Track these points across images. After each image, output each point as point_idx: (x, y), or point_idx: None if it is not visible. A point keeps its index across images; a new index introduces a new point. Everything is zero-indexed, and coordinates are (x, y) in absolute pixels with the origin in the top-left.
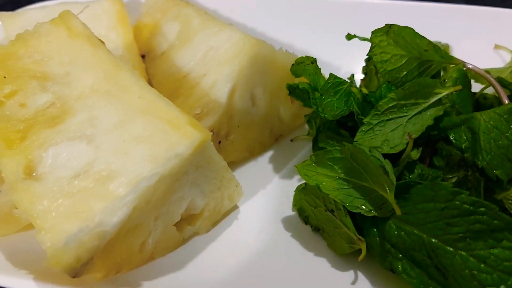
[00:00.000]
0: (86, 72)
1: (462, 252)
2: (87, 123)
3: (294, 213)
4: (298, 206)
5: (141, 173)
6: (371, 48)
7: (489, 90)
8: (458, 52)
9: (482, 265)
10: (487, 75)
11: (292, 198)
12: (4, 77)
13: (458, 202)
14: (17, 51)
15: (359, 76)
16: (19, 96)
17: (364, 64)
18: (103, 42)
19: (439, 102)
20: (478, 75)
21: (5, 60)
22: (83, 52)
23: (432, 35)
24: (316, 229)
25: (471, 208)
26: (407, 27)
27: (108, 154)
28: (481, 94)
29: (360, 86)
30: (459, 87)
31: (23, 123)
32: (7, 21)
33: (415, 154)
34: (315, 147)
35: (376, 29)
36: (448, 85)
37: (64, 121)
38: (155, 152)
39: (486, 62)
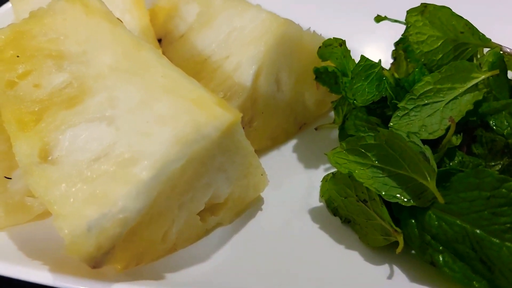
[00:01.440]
0: (104, 51)
1: (510, 244)
2: (107, 103)
3: (321, 204)
4: (326, 196)
5: (166, 155)
6: (407, 28)
7: None
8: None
9: None
10: None
11: (318, 189)
12: (17, 56)
13: (505, 190)
14: (31, 30)
15: (385, 63)
16: (33, 76)
17: (391, 49)
18: (121, 21)
19: (475, 87)
20: (511, 62)
21: (18, 39)
22: (101, 30)
23: None
24: (347, 221)
25: None
26: (443, 7)
27: (130, 136)
28: None
29: (390, 70)
30: (496, 71)
31: (37, 104)
32: (17, 3)
33: (456, 140)
34: (342, 135)
35: (411, 9)
36: (484, 69)
37: (82, 101)
38: (181, 133)
39: None
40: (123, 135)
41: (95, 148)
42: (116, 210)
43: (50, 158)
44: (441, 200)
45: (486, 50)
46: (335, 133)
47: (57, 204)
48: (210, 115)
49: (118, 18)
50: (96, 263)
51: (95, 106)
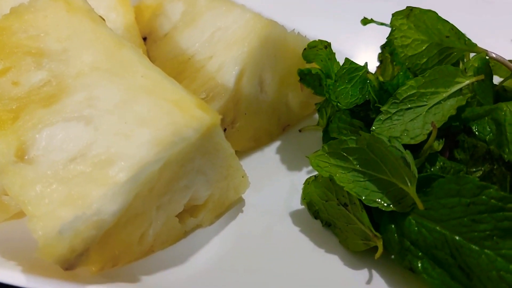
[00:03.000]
0: (85, 49)
1: (489, 251)
2: (86, 103)
3: (303, 207)
4: (308, 199)
5: (144, 157)
6: (391, 31)
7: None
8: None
9: (511, 266)
10: None
11: (301, 191)
12: None
13: (485, 197)
14: (11, 26)
15: (371, 65)
16: (12, 73)
17: (377, 52)
18: (103, 19)
19: (459, 92)
20: (497, 67)
21: None
22: (83, 28)
23: None
24: (327, 224)
25: (500, 204)
26: (429, 10)
27: (108, 137)
28: (501, 86)
29: (375, 73)
30: (481, 77)
31: (15, 102)
32: None
33: (438, 146)
34: (326, 137)
35: (396, 12)
36: (469, 74)
37: (60, 100)
38: (160, 135)
39: (502, 54)
40: (101, 135)
41: (72, 148)
42: (91, 212)
43: (26, 157)
44: (420, 206)
45: (472, 55)
46: (319, 135)
47: (31, 204)
48: (189, 117)
49: (100, 16)
50: (69, 265)
51: (74, 105)
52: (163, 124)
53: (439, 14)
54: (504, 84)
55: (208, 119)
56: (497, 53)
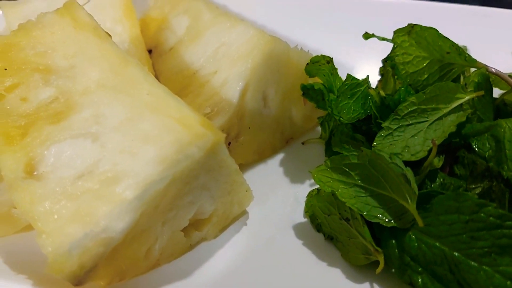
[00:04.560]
0: (92, 66)
1: (487, 268)
2: (93, 120)
3: (306, 220)
4: (310, 213)
5: (150, 175)
6: (393, 48)
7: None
8: (474, 55)
9: (508, 282)
10: (511, 80)
11: (304, 204)
12: (5, 69)
13: (484, 215)
14: (19, 42)
15: (373, 78)
16: (21, 89)
17: (380, 65)
18: (109, 35)
19: (460, 107)
20: (497, 80)
21: (6, 51)
22: (89, 45)
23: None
24: (329, 238)
25: (498, 221)
26: (430, 28)
27: (114, 154)
28: (501, 99)
29: (377, 88)
30: (481, 92)
31: (24, 119)
32: (8, 11)
33: (438, 162)
34: (328, 151)
35: (398, 29)
36: (469, 90)
37: (68, 117)
38: (165, 153)
39: (503, 67)
40: (108, 153)
41: (80, 165)
42: (99, 229)
43: (35, 173)
44: (420, 223)
45: (473, 69)
46: (322, 148)
47: (40, 220)
48: (193, 135)
49: (107, 32)
50: (79, 281)
51: (81, 122)
52: (167, 142)
53: (440, 29)
54: (504, 97)
55: (211, 137)
56: (498, 66)
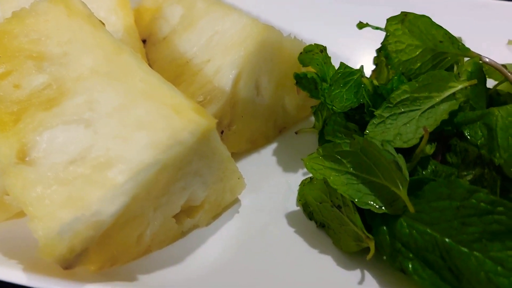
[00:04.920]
0: (85, 53)
1: (478, 254)
2: (85, 106)
3: (298, 208)
4: (303, 201)
5: (142, 160)
6: (386, 37)
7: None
8: (468, 46)
9: (499, 268)
10: (505, 70)
11: (296, 193)
12: None
13: (475, 201)
14: (12, 30)
15: (367, 68)
16: (14, 76)
17: (374, 55)
18: (103, 23)
19: (452, 96)
20: (491, 70)
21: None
22: (83, 32)
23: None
24: (321, 226)
25: (489, 207)
26: (423, 16)
27: (107, 140)
28: (495, 89)
29: (370, 77)
30: (474, 81)
31: (17, 105)
32: (2, 2)
33: (429, 149)
34: (321, 140)
35: (391, 17)
36: (462, 79)
37: (61, 103)
38: (157, 138)
39: (497, 58)
40: (100, 138)
41: (72, 150)
42: (90, 213)
43: (27, 159)
44: (411, 209)
45: (467, 59)
46: (315, 137)
47: (32, 205)
48: (186, 121)
49: (100, 21)
50: (69, 264)
51: (74, 108)
52: (160, 128)
53: (435, 19)
54: (498, 87)
55: (204, 123)
56: (493, 57)
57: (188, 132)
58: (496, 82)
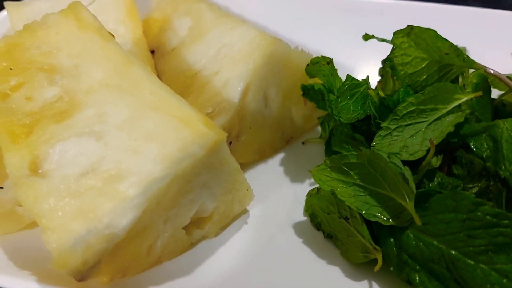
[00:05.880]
0: (95, 66)
1: (484, 266)
2: (96, 118)
3: (305, 218)
4: (310, 211)
5: (152, 173)
6: (392, 49)
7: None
8: (473, 56)
9: (505, 280)
10: (509, 81)
11: (303, 203)
12: (10, 68)
13: (480, 214)
14: (24, 42)
15: (373, 78)
16: (26, 88)
17: (380, 66)
18: (113, 36)
19: (458, 108)
20: (496, 81)
21: (11, 51)
22: (93, 45)
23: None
24: (329, 236)
25: (494, 220)
26: (429, 29)
27: (117, 152)
28: (500, 100)
29: (376, 88)
30: (479, 93)
31: (29, 117)
32: (13, 11)
33: (436, 162)
34: (328, 150)
35: (397, 30)
36: (468, 90)
37: (72, 116)
38: (167, 151)
39: (502, 68)
40: (111, 151)
41: (83, 163)
42: (102, 226)
43: (40, 171)
44: (418, 221)
45: (472, 70)
46: (322, 147)
47: (45, 217)
48: (196, 133)
49: (110, 33)
50: (82, 276)
51: (85, 121)
52: (170, 141)
53: (440, 31)
54: (503, 98)
55: (213, 136)
56: (497, 67)
57: (198, 145)
58: (501, 93)
